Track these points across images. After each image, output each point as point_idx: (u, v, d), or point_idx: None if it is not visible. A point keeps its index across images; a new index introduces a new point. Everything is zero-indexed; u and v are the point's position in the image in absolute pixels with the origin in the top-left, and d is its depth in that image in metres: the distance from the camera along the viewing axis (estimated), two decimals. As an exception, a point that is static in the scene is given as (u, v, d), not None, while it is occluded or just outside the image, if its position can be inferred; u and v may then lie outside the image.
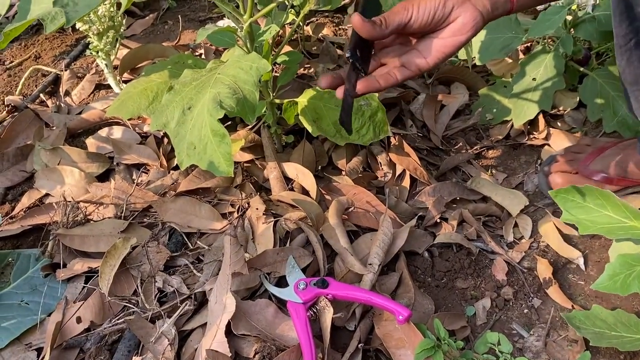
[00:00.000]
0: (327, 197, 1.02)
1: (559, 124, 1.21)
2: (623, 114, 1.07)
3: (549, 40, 1.22)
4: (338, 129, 0.99)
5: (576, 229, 0.75)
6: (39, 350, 0.80)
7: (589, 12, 1.12)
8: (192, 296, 0.83)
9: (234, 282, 0.80)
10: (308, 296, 0.79)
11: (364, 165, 1.10)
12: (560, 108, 1.23)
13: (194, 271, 0.88)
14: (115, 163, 1.11)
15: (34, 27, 1.69)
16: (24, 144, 1.16)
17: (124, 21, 1.27)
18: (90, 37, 1.23)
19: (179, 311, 0.81)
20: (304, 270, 0.85)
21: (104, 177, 1.10)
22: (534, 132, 1.20)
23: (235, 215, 0.97)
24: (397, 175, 1.09)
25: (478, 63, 1.23)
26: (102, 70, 1.37)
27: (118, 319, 0.82)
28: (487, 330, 0.82)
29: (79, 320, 0.82)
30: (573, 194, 0.77)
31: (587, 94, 1.14)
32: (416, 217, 0.97)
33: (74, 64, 1.50)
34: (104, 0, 0.73)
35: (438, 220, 0.99)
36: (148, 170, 1.10)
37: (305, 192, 1.02)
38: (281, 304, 0.82)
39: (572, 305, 0.84)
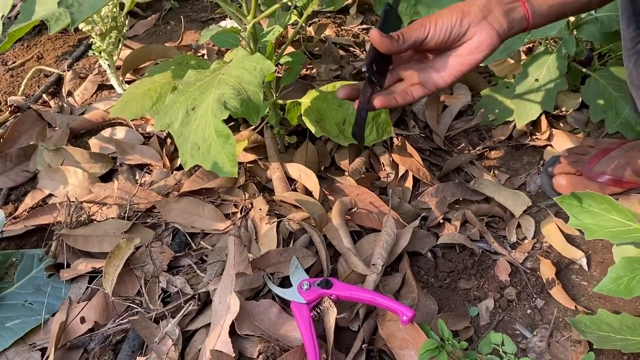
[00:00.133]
0: (330, 197, 1.02)
1: (561, 124, 1.21)
2: (626, 114, 1.08)
3: (552, 41, 1.22)
4: (341, 130, 0.99)
5: (582, 231, 0.75)
6: (43, 351, 0.81)
7: (592, 13, 1.12)
8: (196, 296, 0.84)
9: (237, 282, 0.80)
10: (312, 296, 0.79)
11: (367, 166, 1.11)
12: (563, 109, 1.23)
13: (198, 271, 0.88)
14: (118, 163, 1.11)
15: (37, 27, 1.69)
16: (27, 145, 1.16)
17: (126, 22, 1.27)
18: (93, 38, 1.23)
19: (182, 311, 0.81)
20: (307, 270, 0.86)
21: (107, 178, 1.10)
22: (537, 133, 1.20)
23: (239, 215, 0.97)
24: (399, 175, 1.09)
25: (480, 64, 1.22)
26: (105, 71, 1.37)
27: (122, 319, 0.82)
28: (490, 330, 0.82)
29: (82, 320, 0.82)
30: (578, 199, 0.78)
31: (590, 94, 1.14)
32: (419, 218, 0.97)
33: (77, 65, 1.51)
34: (109, 1, 0.72)
35: (441, 221, 0.99)
36: (151, 170, 1.10)
37: (308, 192, 1.02)
38: (285, 305, 0.82)
39: (575, 306, 0.84)
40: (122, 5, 1.23)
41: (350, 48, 1.51)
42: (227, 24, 1.52)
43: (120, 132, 1.18)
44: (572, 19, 1.15)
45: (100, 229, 0.94)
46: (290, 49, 1.32)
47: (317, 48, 1.47)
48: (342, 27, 1.61)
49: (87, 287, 0.88)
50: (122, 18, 1.25)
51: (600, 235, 0.73)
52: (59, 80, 1.43)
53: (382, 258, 0.86)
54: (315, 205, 0.96)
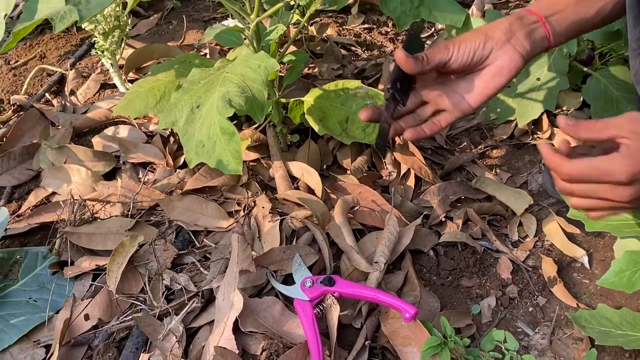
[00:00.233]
0: (333, 195, 1.03)
1: (562, 123, 1.21)
2: (627, 113, 1.08)
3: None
4: (344, 128, 0.99)
5: (584, 227, 0.76)
6: (47, 347, 0.81)
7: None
8: (200, 294, 0.84)
9: (241, 279, 0.81)
10: (315, 294, 0.79)
11: (369, 165, 1.11)
12: (564, 108, 1.24)
13: (201, 269, 0.89)
14: (121, 162, 1.12)
15: (39, 26, 1.70)
16: (30, 143, 1.16)
17: (129, 21, 1.28)
18: (96, 37, 1.23)
19: (186, 308, 0.81)
20: (310, 268, 0.86)
21: (110, 176, 1.10)
22: (538, 132, 1.20)
23: (242, 213, 0.98)
24: (402, 174, 1.09)
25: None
26: (108, 70, 1.38)
27: (126, 317, 0.82)
28: (492, 328, 0.83)
29: (86, 317, 0.83)
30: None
31: (591, 94, 1.14)
32: (421, 216, 0.97)
33: (79, 64, 1.51)
34: None
35: (443, 219, 1.00)
36: (154, 168, 1.10)
37: (310, 190, 1.03)
38: (288, 302, 0.82)
39: (577, 304, 0.85)
40: (124, 5, 1.24)
41: (352, 47, 1.52)
42: (230, 23, 1.53)
43: (123, 131, 1.19)
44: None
45: (104, 227, 0.94)
46: (292, 48, 1.32)
47: (319, 47, 1.47)
48: (344, 27, 1.61)
49: (91, 284, 0.88)
50: (125, 17, 1.25)
51: (600, 227, 0.73)
52: (62, 79, 1.44)
53: (385, 256, 0.86)
54: (317, 203, 0.97)
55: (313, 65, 1.38)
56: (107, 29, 1.22)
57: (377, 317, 0.81)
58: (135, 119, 1.20)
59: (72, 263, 0.91)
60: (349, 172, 1.08)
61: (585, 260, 0.92)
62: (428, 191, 1.04)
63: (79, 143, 1.19)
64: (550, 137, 1.17)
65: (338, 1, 1.06)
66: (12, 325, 0.83)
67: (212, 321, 0.80)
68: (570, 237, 0.96)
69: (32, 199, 1.06)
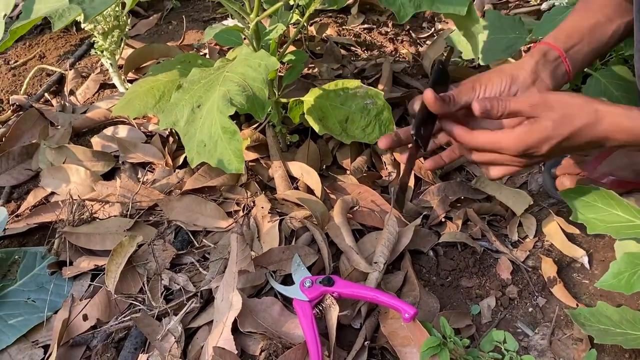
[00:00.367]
0: (332, 196, 1.02)
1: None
2: (627, 114, 1.08)
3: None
4: (343, 128, 0.99)
5: (584, 228, 0.76)
6: (46, 348, 0.81)
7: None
8: (198, 294, 0.84)
9: (240, 279, 0.80)
10: (314, 294, 0.79)
11: (369, 165, 1.11)
12: (564, 108, 1.23)
13: (200, 269, 0.89)
14: (120, 162, 1.11)
15: (39, 26, 1.70)
16: (29, 143, 1.16)
17: (128, 21, 1.28)
18: (96, 37, 1.23)
19: (185, 309, 0.81)
20: (309, 268, 0.86)
21: (109, 176, 1.10)
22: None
23: (241, 213, 0.98)
24: (401, 174, 1.09)
25: (482, 63, 1.23)
26: (107, 70, 1.38)
27: (124, 317, 0.82)
28: (492, 328, 0.83)
29: (85, 317, 0.82)
30: (582, 193, 0.78)
31: (591, 94, 1.14)
32: (421, 216, 0.97)
33: (79, 64, 1.51)
34: (117, -1, 0.73)
35: (443, 220, 0.99)
36: (153, 168, 1.10)
37: (310, 191, 1.02)
38: (287, 302, 0.82)
39: (577, 304, 0.85)
40: (124, 5, 1.24)
41: (352, 47, 1.52)
42: (230, 23, 1.53)
43: (122, 131, 1.19)
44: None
45: (103, 227, 0.94)
46: (292, 48, 1.32)
47: (319, 47, 1.47)
48: (344, 27, 1.61)
49: (90, 284, 0.88)
50: (124, 17, 1.25)
51: (602, 230, 0.73)
52: (61, 79, 1.44)
53: (384, 256, 0.86)
54: (317, 203, 0.97)
55: (313, 65, 1.38)
56: (106, 29, 1.22)
57: (376, 318, 0.81)
58: (134, 119, 1.19)
59: (71, 263, 0.91)
60: (348, 172, 1.08)
61: (585, 260, 0.92)
62: (428, 191, 1.04)
63: (78, 143, 1.18)
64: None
65: (338, 1, 1.06)
66: (11, 326, 0.82)
67: (211, 321, 0.80)
68: (570, 237, 0.96)
69: (31, 199, 1.06)
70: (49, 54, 1.57)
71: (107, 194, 1.02)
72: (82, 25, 1.20)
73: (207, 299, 0.84)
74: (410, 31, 1.64)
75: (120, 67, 1.34)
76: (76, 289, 0.88)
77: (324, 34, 1.54)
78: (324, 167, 1.10)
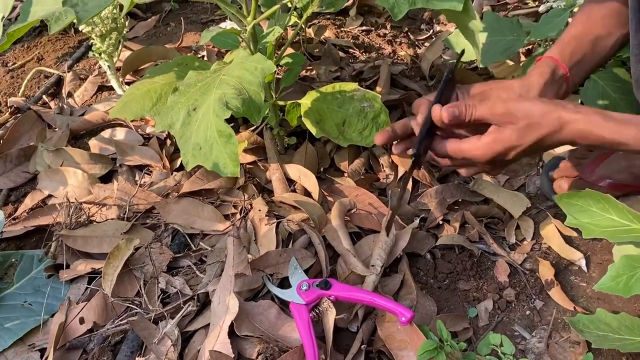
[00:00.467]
0: (330, 198, 1.02)
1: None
2: (625, 116, 1.07)
3: (551, 43, 1.22)
4: (341, 131, 0.99)
5: (580, 232, 0.76)
6: (42, 351, 0.81)
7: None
8: (195, 297, 0.84)
9: (236, 283, 0.80)
10: (311, 297, 0.79)
11: (366, 167, 1.11)
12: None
13: (197, 272, 0.88)
14: (118, 164, 1.11)
15: (37, 28, 1.70)
16: (27, 145, 1.16)
17: (126, 23, 1.28)
18: (93, 39, 1.23)
19: (181, 312, 0.81)
20: (306, 271, 0.86)
21: (106, 179, 1.10)
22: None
23: (238, 216, 0.97)
24: (399, 177, 1.09)
25: (480, 65, 1.23)
26: (105, 72, 1.37)
27: (121, 320, 0.82)
28: (489, 331, 0.82)
29: (82, 321, 0.82)
30: (577, 198, 0.78)
31: (589, 96, 1.14)
32: (418, 219, 0.97)
33: (77, 66, 1.51)
34: (114, 0, 0.73)
35: (440, 222, 0.99)
36: (151, 171, 1.10)
37: (307, 193, 1.02)
38: (284, 305, 0.82)
39: (574, 307, 0.84)
40: (122, 7, 1.24)
41: (350, 50, 1.52)
42: (227, 25, 1.53)
43: (120, 133, 1.18)
44: (569, 19, 1.15)
45: (100, 230, 0.94)
46: (289, 51, 1.32)
47: (317, 50, 1.47)
48: (342, 29, 1.61)
49: (87, 287, 0.88)
50: (122, 19, 1.25)
51: (597, 234, 0.73)
52: (59, 82, 1.44)
53: (381, 259, 0.86)
54: (314, 206, 0.96)
55: (311, 67, 1.37)
56: (104, 31, 1.21)
57: (373, 321, 0.81)
58: (132, 121, 1.19)
59: (68, 266, 0.91)
60: (346, 174, 1.08)
61: (583, 263, 0.91)
62: (425, 194, 1.04)
63: (75, 145, 1.18)
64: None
65: (335, 3, 1.06)
66: (7, 329, 0.82)
67: (208, 325, 0.80)
68: (568, 240, 0.95)
69: (29, 202, 1.05)
70: (47, 56, 1.57)
71: (104, 196, 1.02)
72: (80, 28, 1.20)
73: (204, 302, 0.84)
74: (409, 33, 1.64)
75: (118, 69, 1.34)
76: (73, 292, 0.88)
77: (322, 36, 1.54)
78: (322, 169, 1.10)
